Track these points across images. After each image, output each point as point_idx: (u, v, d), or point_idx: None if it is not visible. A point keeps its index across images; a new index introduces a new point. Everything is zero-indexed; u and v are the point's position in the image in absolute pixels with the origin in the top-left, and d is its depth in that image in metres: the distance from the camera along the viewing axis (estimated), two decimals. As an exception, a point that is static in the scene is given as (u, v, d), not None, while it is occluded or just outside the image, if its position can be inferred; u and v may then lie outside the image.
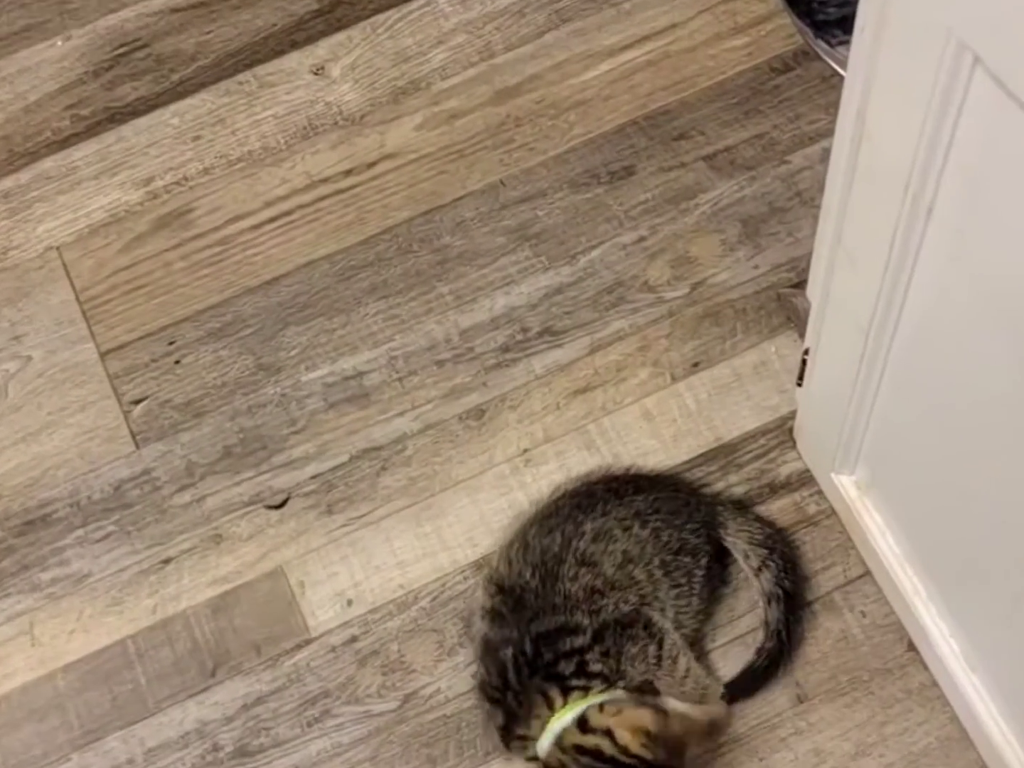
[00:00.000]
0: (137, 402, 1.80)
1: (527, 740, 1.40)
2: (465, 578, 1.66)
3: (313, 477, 1.74)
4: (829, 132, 1.82)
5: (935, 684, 1.55)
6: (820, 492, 1.65)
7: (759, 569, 1.56)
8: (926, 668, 1.56)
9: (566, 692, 1.38)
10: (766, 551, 1.56)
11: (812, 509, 1.65)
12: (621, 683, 1.37)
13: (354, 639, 1.64)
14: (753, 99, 1.93)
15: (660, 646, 1.43)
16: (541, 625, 1.43)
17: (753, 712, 1.56)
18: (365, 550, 1.69)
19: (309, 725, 1.60)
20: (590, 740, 1.32)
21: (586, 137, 1.93)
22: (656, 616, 1.45)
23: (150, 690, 1.64)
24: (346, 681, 1.62)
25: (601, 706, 1.33)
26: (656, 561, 1.48)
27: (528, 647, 1.42)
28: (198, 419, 1.79)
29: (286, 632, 1.65)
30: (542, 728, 1.37)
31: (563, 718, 1.35)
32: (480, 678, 1.49)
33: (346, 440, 1.76)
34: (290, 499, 1.73)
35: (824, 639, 1.59)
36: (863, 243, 1.21)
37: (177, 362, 1.82)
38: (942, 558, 1.41)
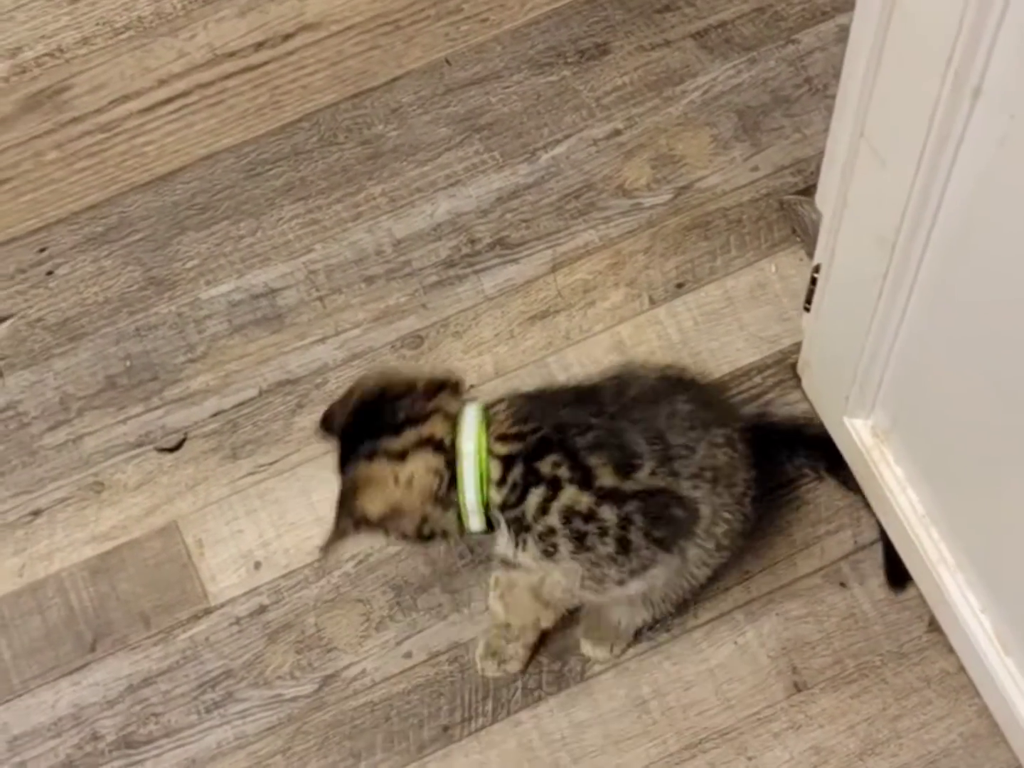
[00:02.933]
0: (1, 321, 1.77)
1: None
2: (398, 538, 1.64)
3: (214, 415, 1.72)
4: (847, 5, 1.83)
5: (961, 670, 1.55)
6: None
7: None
8: (951, 651, 1.56)
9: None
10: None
11: (818, 459, 1.66)
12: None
13: (263, 609, 1.63)
14: (754, -37, 1.91)
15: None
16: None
17: (740, 701, 1.56)
18: (277, 503, 1.68)
19: (208, 711, 1.60)
20: None
21: (551, 7, 1.90)
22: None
23: (15, 667, 1.62)
24: (253, 659, 1.61)
25: None
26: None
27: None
28: (75, 343, 1.76)
29: (181, 600, 1.64)
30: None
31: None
32: None
33: (255, 371, 1.74)
34: (186, 441, 1.71)
35: (827, 616, 1.59)
36: (892, 135, 1.19)
37: (49, 273, 1.80)
38: (974, 518, 1.40)
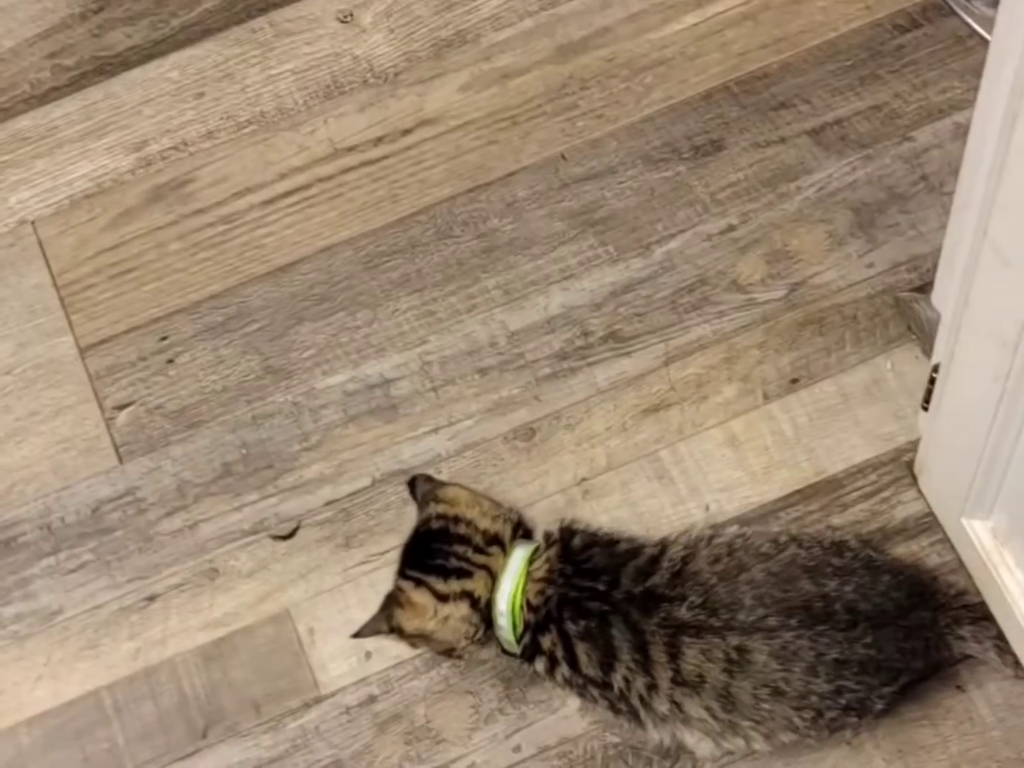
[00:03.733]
0: (121, 408, 1.80)
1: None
2: (508, 630, 1.64)
3: (328, 503, 1.73)
4: (963, 103, 1.84)
5: (1081, 779, 1.52)
6: (945, 540, 1.62)
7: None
8: (1071, 759, 1.53)
9: None
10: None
11: (934, 560, 1.62)
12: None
13: (372, 699, 1.63)
14: (871, 62, 1.91)
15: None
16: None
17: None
18: (388, 593, 1.67)
19: (316, 802, 1.60)
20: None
21: (666, 104, 1.91)
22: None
23: (129, 752, 1.63)
24: (362, 749, 1.61)
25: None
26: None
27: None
28: (193, 430, 1.78)
29: (292, 688, 1.64)
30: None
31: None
32: None
33: (368, 460, 1.75)
34: (300, 529, 1.72)
35: (943, 720, 1.56)
36: (1017, 236, 1.17)
37: (170, 361, 1.82)
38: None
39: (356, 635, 1.53)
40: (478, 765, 1.59)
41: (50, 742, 1.63)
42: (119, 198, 1.91)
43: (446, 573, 1.49)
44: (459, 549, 1.50)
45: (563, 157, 1.89)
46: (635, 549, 1.51)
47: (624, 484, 1.70)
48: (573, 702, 1.59)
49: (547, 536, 1.53)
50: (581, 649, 1.47)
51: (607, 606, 1.46)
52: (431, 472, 1.70)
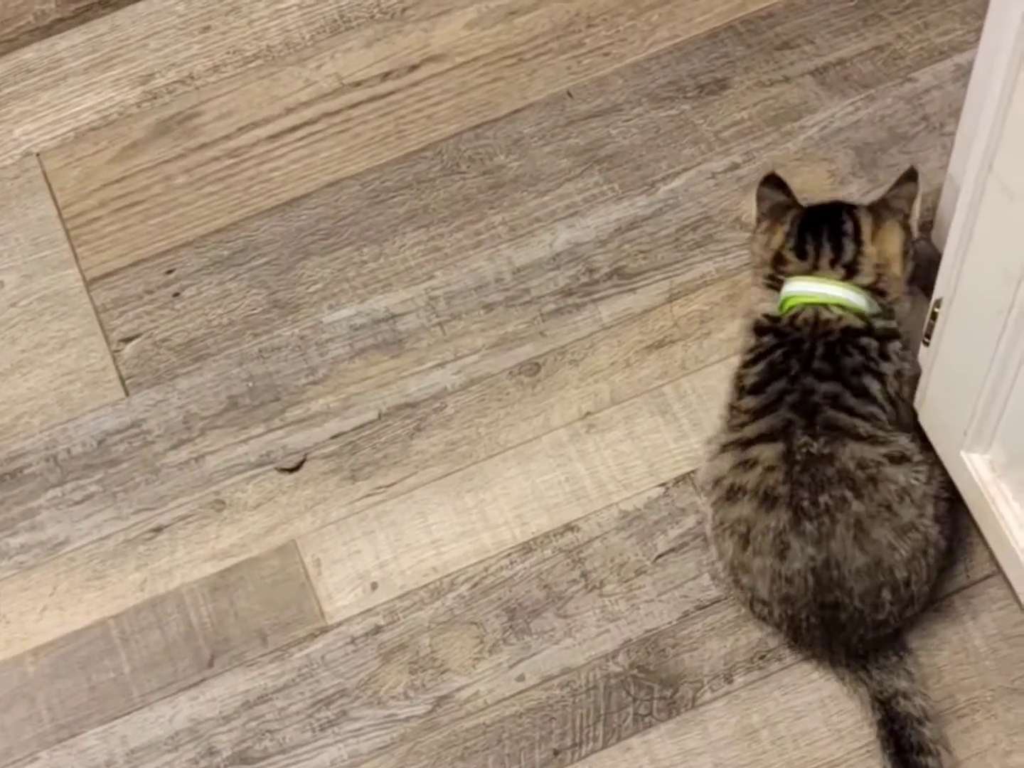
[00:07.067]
0: (127, 340, 1.81)
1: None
2: (511, 562, 1.66)
3: (334, 436, 1.74)
4: (964, 45, 1.86)
5: (1075, 707, 1.55)
6: (943, 474, 1.61)
7: None
8: (1065, 688, 1.55)
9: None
10: None
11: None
12: None
13: (378, 629, 1.65)
14: (874, 2, 1.91)
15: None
16: None
17: (851, 732, 1.56)
18: (394, 525, 1.69)
19: (322, 729, 1.61)
20: None
21: (671, 42, 1.92)
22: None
23: (135, 681, 1.64)
24: (367, 679, 1.63)
25: None
26: None
27: None
28: (199, 363, 1.79)
29: (298, 618, 1.65)
30: None
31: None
32: None
33: (374, 394, 1.76)
34: (306, 461, 1.73)
35: (939, 650, 1.59)
36: (1023, 169, 1.18)
37: (176, 295, 1.83)
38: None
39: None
40: (482, 694, 1.61)
41: (56, 671, 1.64)
42: (125, 131, 1.91)
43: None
44: None
45: (569, 94, 1.90)
46: None
47: (628, 419, 1.72)
48: (578, 633, 1.62)
49: None
50: None
51: None
52: (436, 406, 1.73)
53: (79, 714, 1.63)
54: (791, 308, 1.58)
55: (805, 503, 1.49)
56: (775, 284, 1.62)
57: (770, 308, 1.61)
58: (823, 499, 1.48)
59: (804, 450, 1.50)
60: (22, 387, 1.79)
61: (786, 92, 1.88)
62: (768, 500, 1.50)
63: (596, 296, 1.79)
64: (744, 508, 1.51)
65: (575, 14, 1.94)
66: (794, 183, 1.74)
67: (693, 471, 1.68)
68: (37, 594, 1.68)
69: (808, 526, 1.48)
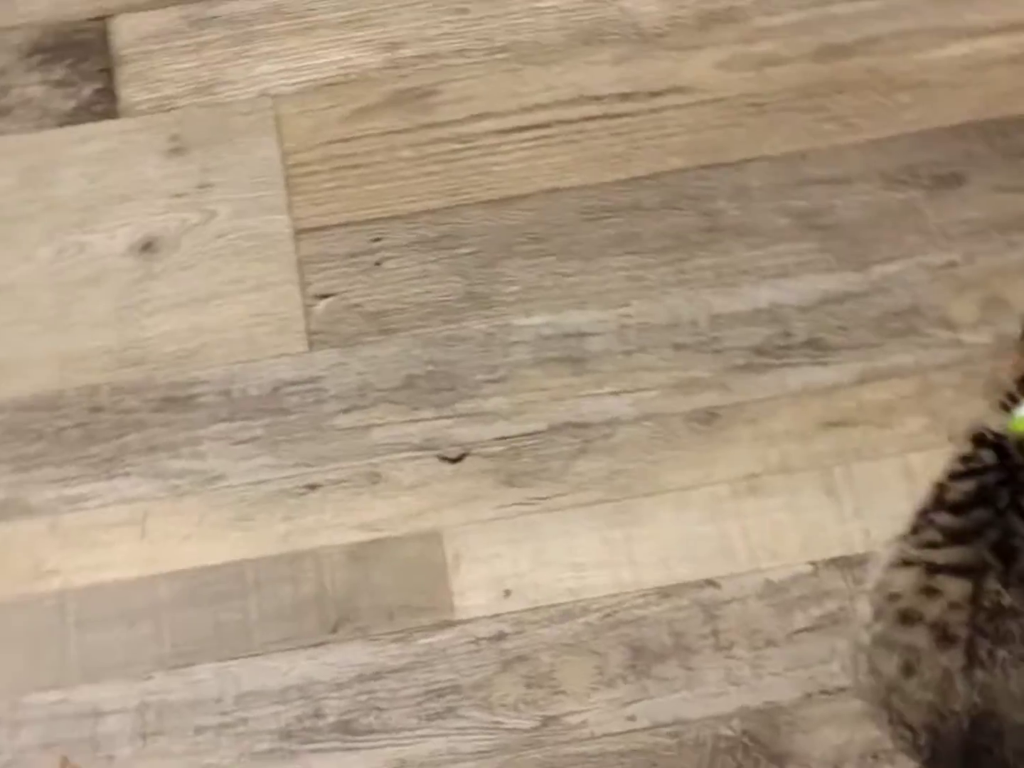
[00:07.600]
0: (322, 297, 1.83)
1: None
2: (647, 603, 1.66)
3: (500, 438, 1.75)
4: None
5: None
6: None
7: None
8: None
9: None
10: None
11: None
12: None
13: (502, 636, 1.65)
14: None
15: None
16: None
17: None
18: (539, 538, 1.70)
19: (429, 719, 1.61)
20: None
21: (916, 127, 1.91)
22: None
23: (260, 628, 1.66)
24: (482, 681, 1.63)
25: None
26: None
27: None
28: (386, 335, 1.81)
29: (427, 605, 1.66)
30: None
31: None
32: None
33: (548, 406, 1.77)
34: (468, 456, 1.74)
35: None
36: None
37: (378, 264, 1.85)
38: None
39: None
40: (590, 724, 1.61)
41: (186, 599, 1.67)
42: (362, 93, 1.94)
43: None
44: None
45: (803, 156, 1.89)
46: None
47: (792, 490, 1.71)
48: (698, 688, 1.62)
49: None
50: None
51: None
52: (605, 432, 1.74)
53: (199, 646, 1.65)
54: (1020, 433, 1.55)
55: (983, 653, 1.46)
56: (1009, 407, 1.58)
57: (996, 426, 1.57)
58: (1001, 654, 1.45)
59: (994, 599, 1.47)
60: (213, 318, 1.82)
61: (1020, 201, 1.86)
62: (946, 639, 1.47)
63: (788, 361, 1.78)
64: (918, 638, 1.48)
65: (826, 77, 1.93)
66: (1013, 295, 1.72)
67: (846, 556, 1.66)
68: (184, 521, 1.71)
69: (980, 675, 1.45)
